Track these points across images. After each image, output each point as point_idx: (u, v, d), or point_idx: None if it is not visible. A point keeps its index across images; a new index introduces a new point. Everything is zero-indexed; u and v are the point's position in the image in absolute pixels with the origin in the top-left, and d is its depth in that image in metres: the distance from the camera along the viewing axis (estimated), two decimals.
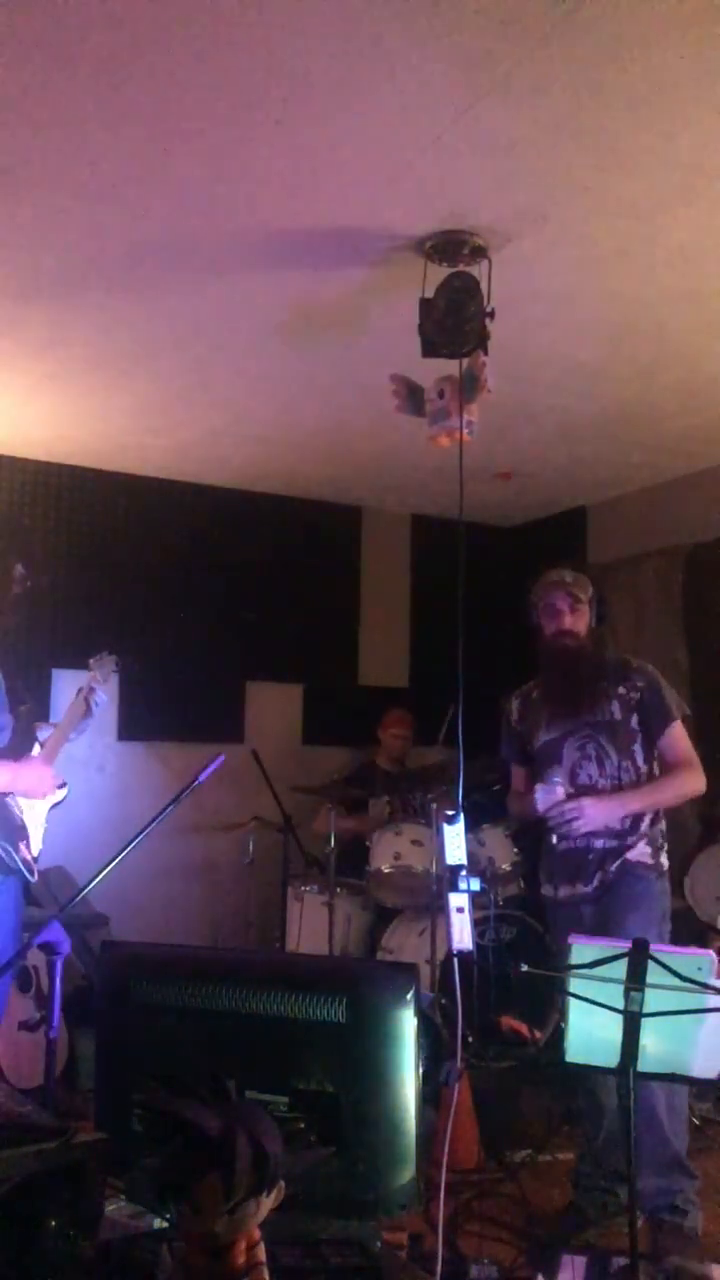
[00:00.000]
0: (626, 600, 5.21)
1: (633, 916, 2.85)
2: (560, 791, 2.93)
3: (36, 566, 4.99)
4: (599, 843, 2.95)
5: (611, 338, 3.52)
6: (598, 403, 4.15)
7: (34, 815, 3.30)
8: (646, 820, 2.97)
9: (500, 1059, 3.95)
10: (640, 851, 2.94)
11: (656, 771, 3.03)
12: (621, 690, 3.02)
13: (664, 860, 2.99)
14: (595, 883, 2.95)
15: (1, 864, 3.03)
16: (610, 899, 2.92)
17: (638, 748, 3.00)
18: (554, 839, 3.06)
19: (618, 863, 2.93)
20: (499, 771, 4.15)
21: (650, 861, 2.95)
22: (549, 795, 2.93)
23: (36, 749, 3.46)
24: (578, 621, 3.06)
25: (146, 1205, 1.93)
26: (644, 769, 2.99)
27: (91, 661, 3.85)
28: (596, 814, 2.89)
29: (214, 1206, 1.39)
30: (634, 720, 3.00)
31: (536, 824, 3.15)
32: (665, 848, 3.01)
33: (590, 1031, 2.12)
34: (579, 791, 2.99)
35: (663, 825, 3.03)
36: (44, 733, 3.57)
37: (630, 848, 2.93)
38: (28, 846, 3.20)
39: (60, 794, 3.54)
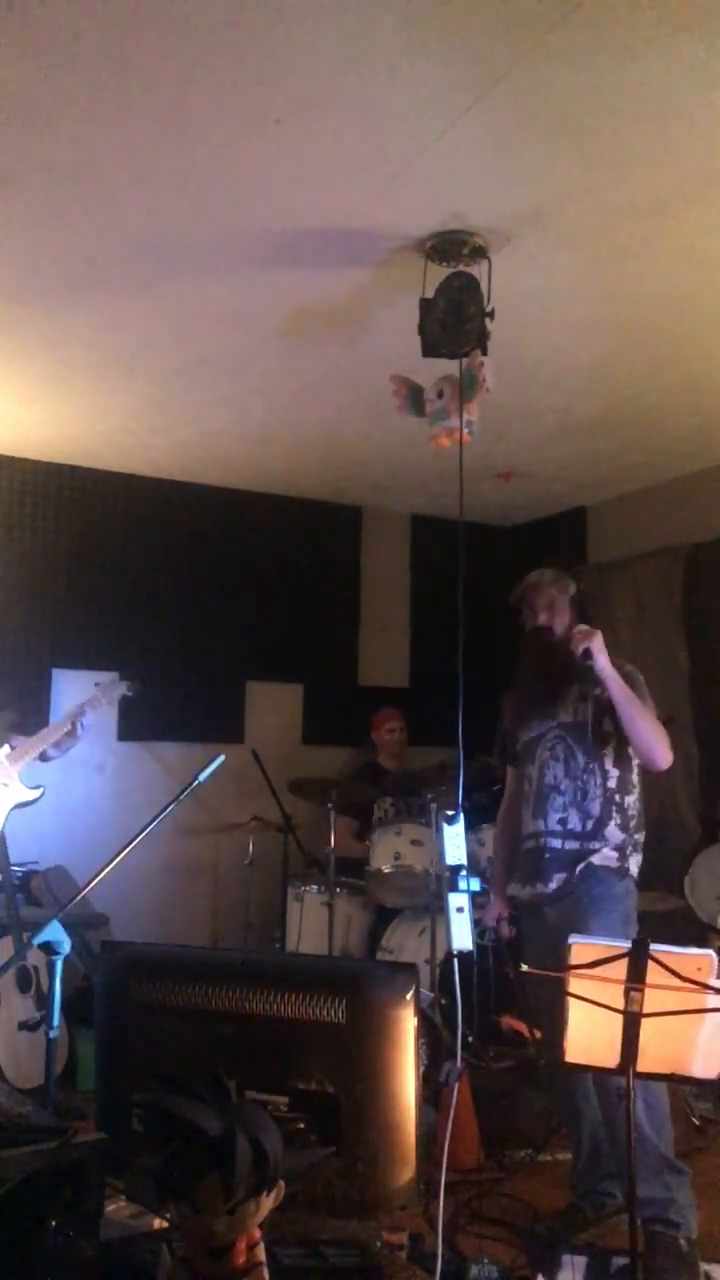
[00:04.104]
0: (626, 600, 5.21)
1: (594, 921, 2.82)
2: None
3: (36, 566, 5.02)
4: (556, 843, 2.95)
5: (611, 338, 3.52)
6: (598, 403, 4.15)
7: None
8: (614, 827, 2.94)
9: (500, 1059, 3.95)
10: (605, 856, 2.92)
11: (635, 779, 3.01)
12: (598, 691, 2.98)
13: (630, 865, 2.95)
14: (555, 884, 2.93)
15: None
16: (572, 902, 2.90)
17: (609, 751, 2.96)
18: (523, 841, 3.07)
19: (582, 865, 2.91)
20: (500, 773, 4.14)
21: (615, 865, 2.92)
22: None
23: (6, 748, 3.54)
24: (554, 618, 3.11)
25: (146, 1205, 1.93)
26: (613, 773, 2.96)
27: (97, 684, 3.85)
28: (602, 652, 2.83)
29: (214, 1206, 1.39)
30: (607, 722, 2.96)
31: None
32: (635, 856, 2.97)
33: (590, 1032, 2.12)
34: (544, 793, 3.00)
35: (639, 836, 2.99)
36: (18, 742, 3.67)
37: (595, 852, 2.91)
38: None
39: (30, 794, 3.60)
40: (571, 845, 2.94)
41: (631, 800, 2.99)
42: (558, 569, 3.21)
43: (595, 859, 2.91)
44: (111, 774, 5.13)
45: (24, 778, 3.65)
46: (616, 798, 2.96)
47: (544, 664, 3.09)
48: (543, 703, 3.09)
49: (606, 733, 2.97)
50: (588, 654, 2.83)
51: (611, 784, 2.97)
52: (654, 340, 3.53)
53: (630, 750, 2.98)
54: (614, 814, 2.95)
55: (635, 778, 3.02)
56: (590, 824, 2.94)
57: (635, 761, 3.01)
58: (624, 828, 2.96)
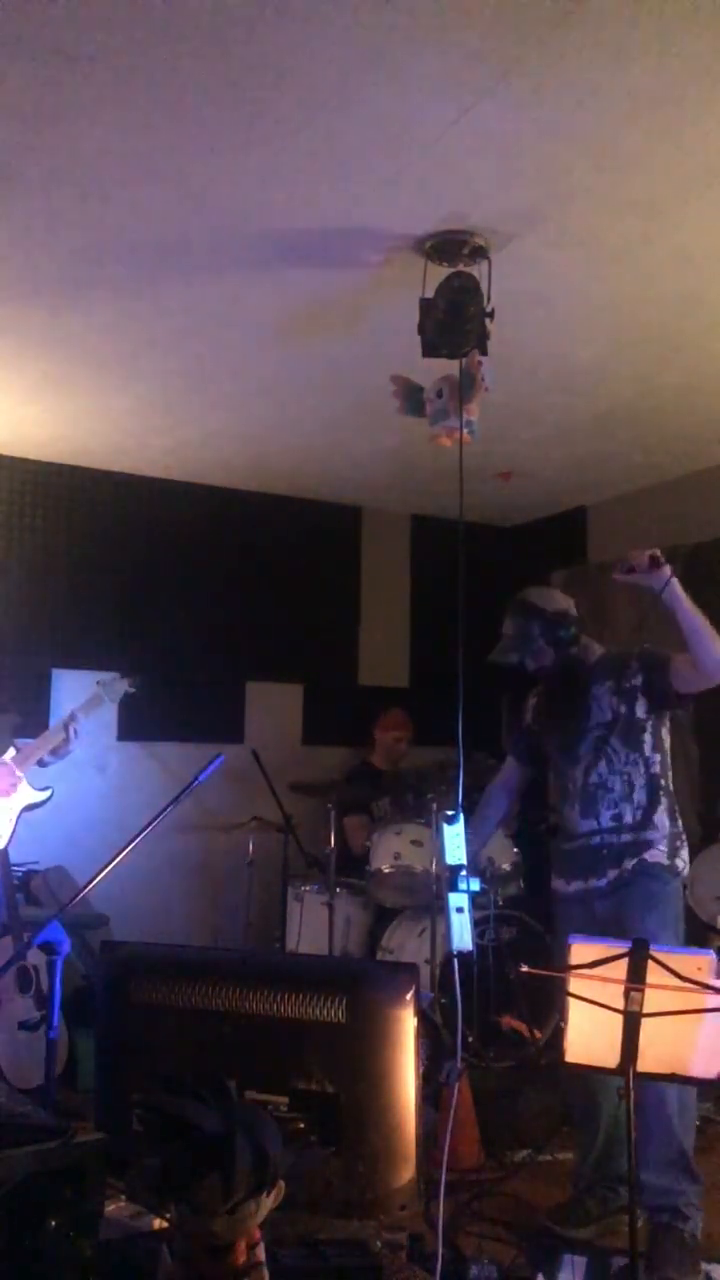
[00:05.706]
0: (626, 600, 5.20)
1: (649, 917, 2.86)
2: None
3: (36, 566, 5.02)
4: (612, 839, 2.97)
5: (611, 338, 3.52)
6: (598, 403, 4.15)
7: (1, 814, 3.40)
8: (662, 813, 2.97)
9: (500, 1059, 3.95)
10: (657, 852, 2.95)
11: (669, 761, 3.05)
12: (623, 684, 3.03)
13: (679, 863, 2.99)
14: (609, 878, 2.96)
15: None
16: (625, 896, 2.93)
17: (646, 738, 3.01)
18: (564, 839, 3.08)
19: (635, 861, 2.94)
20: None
21: (666, 863, 2.96)
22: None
23: (11, 751, 3.56)
24: (540, 657, 3.18)
25: (146, 1205, 1.93)
26: (653, 758, 3.01)
27: (98, 681, 3.85)
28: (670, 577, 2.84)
29: (214, 1206, 1.39)
30: (640, 708, 3.00)
31: (534, 823, 3.18)
32: (682, 851, 3.01)
33: (590, 1031, 2.12)
34: (592, 793, 3.02)
35: (680, 826, 3.03)
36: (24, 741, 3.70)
37: (647, 846, 2.94)
38: None
39: (39, 796, 3.62)
40: (626, 838, 2.98)
41: (669, 782, 3.06)
42: (518, 607, 3.26)
43: (647, 855, 2.95)
44: (111, 774, 5.13)
45: (30, 779, 3.68)
46: (660, 782, 3.02)
47: (554, 696, 3.18)
48: (558, 728, 3.14)
49: (642, 720, 3.01)
50: (655, 560, 2.80)
51: (655, 769, 3.02)
52: (653, 340, 3.53)
53: (665, 729, 3.04)
54: (661, 798, 3.01)
55: (670, 760, 3.07)
56: (640, 814, 2.98)
57: (668, 744, 3.06)
58: (670, 814, 3.01)
